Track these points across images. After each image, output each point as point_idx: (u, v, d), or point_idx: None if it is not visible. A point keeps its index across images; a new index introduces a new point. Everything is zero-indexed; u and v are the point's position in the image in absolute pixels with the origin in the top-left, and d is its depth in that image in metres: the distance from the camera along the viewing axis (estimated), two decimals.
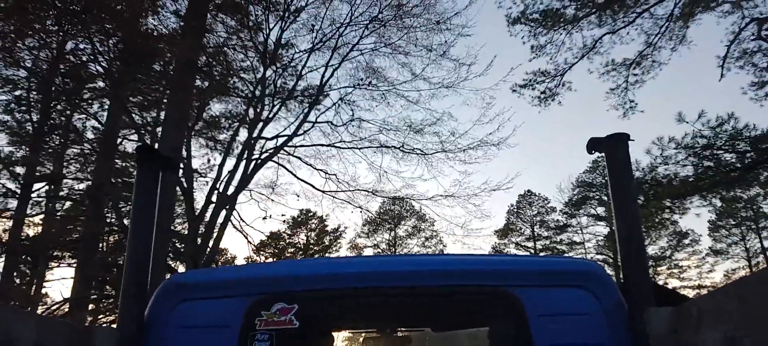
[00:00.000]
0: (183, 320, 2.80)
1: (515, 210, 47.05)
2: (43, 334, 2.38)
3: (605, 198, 44.88)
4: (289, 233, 40.90)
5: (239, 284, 2.89)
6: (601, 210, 45.30)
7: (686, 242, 45.03)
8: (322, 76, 15.14)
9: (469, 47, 15.04)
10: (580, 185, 46.48)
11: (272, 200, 16.45)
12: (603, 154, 3.18)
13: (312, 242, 42.45)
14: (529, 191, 48.20)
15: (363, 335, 4.95)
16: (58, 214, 23.82)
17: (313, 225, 41.88)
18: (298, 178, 15.63)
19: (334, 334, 4.35)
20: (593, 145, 3.21)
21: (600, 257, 46.04)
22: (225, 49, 15.69)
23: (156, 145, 18.84)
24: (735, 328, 2.01)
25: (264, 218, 16.35)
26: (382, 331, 4.50)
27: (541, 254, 47.01)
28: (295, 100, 15.29)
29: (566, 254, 46.12)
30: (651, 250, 44.58)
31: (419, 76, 15.50)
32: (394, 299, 3.07)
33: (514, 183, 16.42)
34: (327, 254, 40.53)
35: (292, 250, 40.97)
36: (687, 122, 17.39)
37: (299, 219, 40.86)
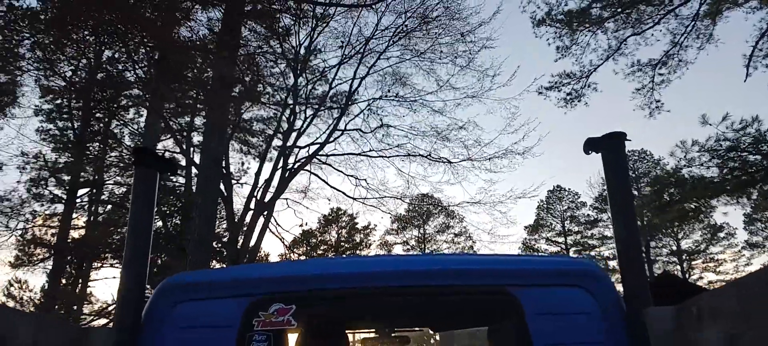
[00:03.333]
0: (180, 320, 2.79)
1: (545, 206, 46.76)
2: (40, 334, 2.38)
3: (636, 193, 44.35)
4: (320, 230, 41.50)
5: (237, 284, 2.90)
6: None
7: (721, 235, 44.16)
8: (351, 86, 15.59)
9: (493, 58, 15.18)
10: None
11: (307, 208, 16.91)
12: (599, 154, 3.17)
13: (343, 239, 42.94)
14: (558, 186, 47.89)
15: (361, 335, 4.99)
16: (101, 217, 24.76)
17: (344, 223, 42.37)
18: (330, 185, 16.14)
19: (332, 335, 4.32)
20: (590, 145, 3.21)
21: None
22: (256, 57, 16.19)
23: (195, 156, 19.51)
24: (736, 326, 2.01)
25: (301, 225, 16.93)
26: (380, 331, 4.54)
27: (572, 250, 46.67)
28: (325, 108, 15.72)
29: (598, 250, 45.74)
30: (684, 244, 43.91)
31: (444, 87, 15.77)
32: (392, 300, 3.09)
33: (539, 192, 16.55)
34: (357, 252, 41.01)
35: (323, 247, 41.56)
36: (710, 124, 17.26)
37: (330, 217, 41.38)
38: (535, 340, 2.64)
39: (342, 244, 41.72)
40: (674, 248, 44.14)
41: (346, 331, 4.36)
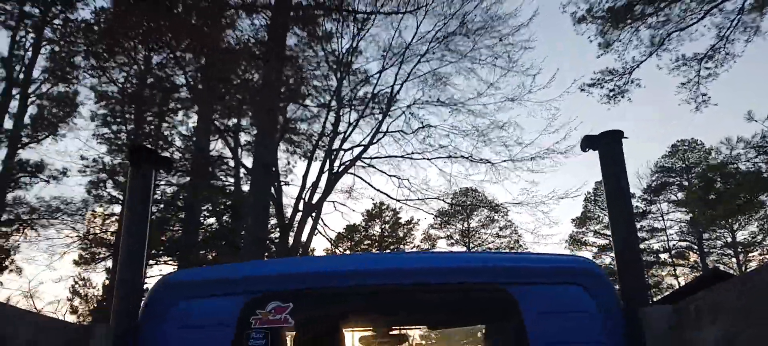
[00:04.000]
0: (178, 318, 2.78)
1: (592, 197, 45.77)
2: (40, 332, 2.40)
3: (686, 183, 42.93)
4: (364, 226, 41.86)
5: (234, 282, 2.88)
6: (681, 195, 43.35)
7: None
8: (392, 89, 15.76)
9: (532, 60, 15.14)
10: (658, 170, 44.65)
11: (353, 210, 17.14)
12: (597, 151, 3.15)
13: (386, 233, 43.18)
14: None
15: (358, 333, 4.98)
16: (155, 216, 25.69)
17: (387, 217, 42.60)
18: (374, 187, 16.39)
19: (330, 332, 4.41)
20: (587, 143, 3.19)
21: (683, 244, 44.16)
22: (300, 60, 16.56)
23: (242, 155, 20.02)
24: (733, 325, 2.00)
25: (348, 228, 17.18)
26: (377, 329, 4.51)
27: None
28: (368, 114, 15.94)
29: (647, 242, 44.53)
30: (740, 236, 42.28)
31: (484, 93, 15.77)
32: (389, 297, 3.07)
33: (581, 191, 16.35)
34: (401, 246, 41.21)
35: (367, 242, 41.92)
36: (756, 120, 16.69)
37: (373, 212, 41.68)
38: (533, 338, 2.63)
39: (385, 239, 41.96)
40: (729, 239, 42.56)
41: (344, 329, 4.39)
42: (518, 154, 15.64)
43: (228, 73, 17.16)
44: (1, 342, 2.13)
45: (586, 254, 45.32)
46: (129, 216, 3.09)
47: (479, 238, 43.57)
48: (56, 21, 19.62)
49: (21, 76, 18.74)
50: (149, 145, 23.96)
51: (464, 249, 42.03)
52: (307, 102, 17.40)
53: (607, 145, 3.06)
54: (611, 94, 17.57)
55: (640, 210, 45.93)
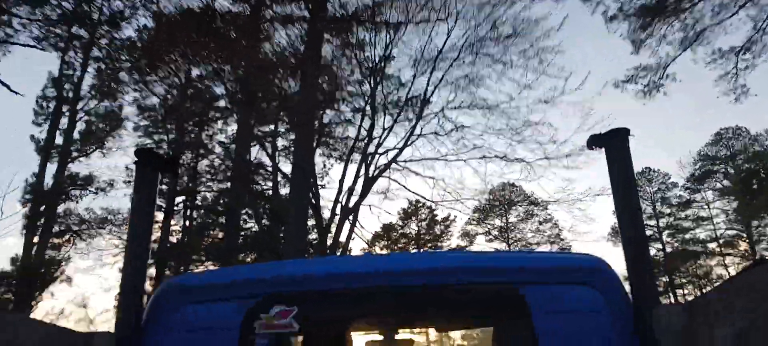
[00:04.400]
0: (181, 322, 2.75)
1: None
2: (44, 339, 2.40)
3: (731, 171, 41.65)
4: (400, 224, 42.01)
5: (238, 286, 2.85)
6: (727, 183, 42.09)
7: None
8: (425, 92, 15.87)
9: (563, 63, 15.15)
10: (702, 158, 43.46)
11: (387, 212, 17.37)
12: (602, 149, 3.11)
13: (423, 232, 43.24)
14: (647, 167, 45.75)
15: (365, 336, 4.88)
16: (196, 222, 26.46)
17: (423, 215, 42.67)
18: (409, 190, 16.64)
19: (335, 335, 4.41)
20: (594, 141, 3.16)
21: (731, 232, 42.88)
22: (335, 67, 16.89)
23: (279, 159, 20.43)
24: (746, 322, 1.98)
25: (384, 227, 17.40)
26: (384, 331, 4.41)
27: (665, 233, 44.57)
28: (401, 119, 16.11)
29: (692, 231, 43.47)
30: None
31: (516, 98, 15.75)
32: (396, 299, 3.02)
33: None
34: (438, 244, 41.23)
35: (404, 241, 42.08)
36: None
37: (409, 210, 41.79)
38: (541, 338, 2.60)
39: (422, 237, 42.04)
40: None
41: (350, 332, 4.33)
42: (553, 153, 15.61)
43: (265, 83, 17.63)
44: None
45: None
46: (134, 219, 3.05)
47: (518, 233, 43.21)
48: (103, 40, 20.45)
49: (70, 94, 19.59)
50: (190, 153, 24.78)
51: (504, 245, 41.78)
52: (343, 107, 17.71)
53: (614, 144, 3.03)
54: (646, 89, 17.46)
55: (684, 199, 44.80)
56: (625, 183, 2.96)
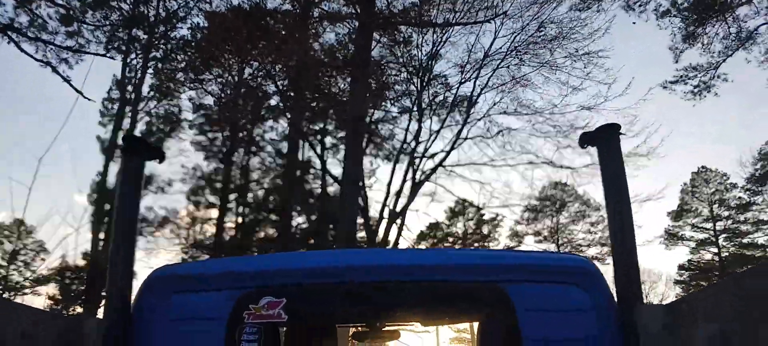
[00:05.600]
0: (170, 312, 2.76)
1: (689, 189, 43.26)
2: (33, 325, 2.41)
3: None
4: (447, 223, 41.88)
5: (227, 277, 2.85)
6: None
7: None
8: (471, 95, 15.88)
9: (607, 70, 14.91)
10: (763, 157, 41.52)
11: (431, 217, 17.44)
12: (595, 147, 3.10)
13: (470, 231, 42.96)
14: (703, 167, 44.00)
15: (352, 329, 4.82)
16: (247, 218, 27.15)
17: (471, 215, 42.38)
18: (455, 196, 16.74)
19: (322, 328, 4.38)
20: (585, 139, 3.16)
21: None
22: (383, 66, 17.04)
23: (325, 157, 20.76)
24: (728, 323, 2.00)
25: (431, 226, 17.46)
26: (370, 325, 4.47)
27: (721, 237, 42.83)
28: (449, 116, 16.15)
29: (751, 235, 41.65)
30: None
31: (560, 105, 15.53)
32: (382, 293, 3.04)
33: (665, 193, 15.90)
34: (486, 244, 40.90)
35: (451, 240, 41.93)
36: None
37: (456, 209, 41.58)
38: (527, 336, 2.61)
39: (469, 236, 41.78)
40: None
41: (337, 324, 4.32)
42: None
43: (315, 81, 17.97)
44: None
45: (683, 249, 43.09)
46: (120, 206, 3.01)
47: (569, 233, 42.37)
48: (160, 41, 21.27)
49: (132, 96, 20.48)
50: (243, 150, 25.47)
51: (553, 246, 41.09)
52: (391, 107, 17.89)
53: (605, 141, 3.02)
54: (696, 90, 17.03)
55: (744, 201, 42.94)
56: (616, 179, 2.95)
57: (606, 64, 14.82)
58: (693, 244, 42.07)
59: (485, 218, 41.48)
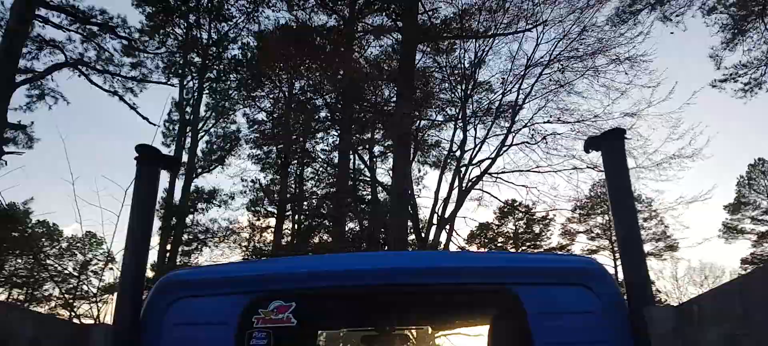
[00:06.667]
0: (180, 317, 2.75)
1: (746, 182, 41.76)
2: (42, 331, 2.39)
3: None
4: (497, 223, 41.91)
5: (237, 281, 2.86)
6: None
7: None
8: (515, 102, 16.19)
9: (651, 72, 14.89)
10: None
11: (474, 221, 17.74)
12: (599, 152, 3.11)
13: (520, 230, 42.85)
14: (761, 159, 42.35)
15: (361, 333, 4.82)
16: (303, 225, 28.19)
17: (520, 214, 42.25)
18: (501, 201, 17.04)
19: (332, 332, 4.44)
20: (590, 144, 3.17)
21: None
22: (427, 75, 17.64)
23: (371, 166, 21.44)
24: (737, 326, 1.99)
25: (481, 226, 17.86)
26: (380, 329, 4.42)
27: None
28: (494, 124, 16.52)
29: None
30: None
31: (604, 111, 15.63)
32: (392, 297, 3.02)
33: (713, 194, 15.83)
34: (536, 243, 40.74)
35: (501, 240, 41.94)
36: None
37: (505, 209, 41.55)
38: (536, 339, 2.62)
39: (520, 236, 41.69)
40: None
41: (347, 328, 4.26)
42: (644, 162, 15.49)
43: (361, 93, 18.73)
44: (5, 340, 2.15)
45: (745, 242, 41.61)
46: (133, 215, 3.02)
47: None
48: (213, 63, 22.59)
49: (191, 116, 21.84)
50: (297, 160, 26.49)
51: (606, 242, 40.51)
52: (436, 117, 18.46)
53: (610, 145, 3.02)
54: (746, 87, 16.78)
55: None
56: (621, 184, 2.95)
57: (649, 68, 14.89)
58: (754, 237, 40.62)
59: (536, 216, 41.31)
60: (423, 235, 16.00)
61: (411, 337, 4.91)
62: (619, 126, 3.14)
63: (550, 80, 15.92)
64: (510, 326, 3.03)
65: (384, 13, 18.94)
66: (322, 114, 22.55)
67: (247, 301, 2.73)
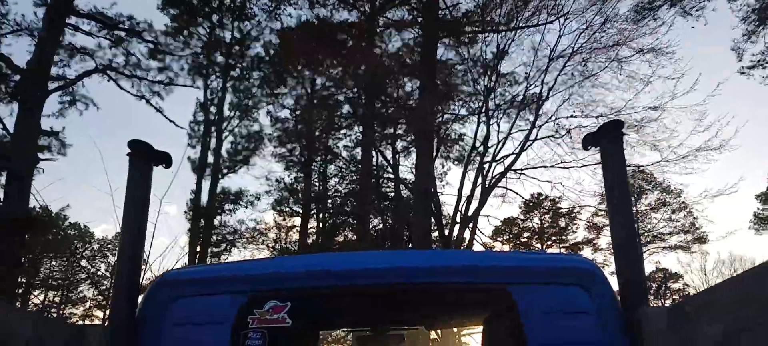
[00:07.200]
0: (175, 316, 2.75)
1: None
2: (38, 332, 2.39)
3: None
4: (522, 218, 41.56)
5: (232, 280, 2.85)
6: None
7: None
8: (540, 94, 16.05)
9: (674, 64, 14.59)
10: None
11: (497, 219, 17.67)
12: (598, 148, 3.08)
13: (546, 224, 42.44)
14: None
15: (356, 332, 4.71)
16: (328, 223, 28.34)
17: (546, 208, 41.84)
18: (525, 199, 16.80)
19: (327, 331, 4.36)
20: (588, 140, 3.15)
21: None
22: (450, 68, 17.57)
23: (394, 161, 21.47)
24: (731, 325, 1.99)
25: (505, 222, 17.78)
26: (375, 328, 4.40)
27: None
28: (518, 117, 16.41)
29: None
30: None
31: (627, 105, 15.42)
32: (387, 297, 2.99)
33: (739, 187, 15.45)
34: (563, 237, 40.31)
35: (527, 235, 41.59)
36: None
37: (531, 203, 41.19)
38: (531, 338, 2.61)
39: (545, 230, 41.30)
40: None
41: (342, 328, 4.26)
42: (668, 156, 15.34)
43: (383, 88, 18.75)
44: (2, 341, 2.15)
45: None
46: (127, 212, 3.01)
47: (649, 223, 40.95)
48: (236, 61, 22.84)
49: (215, 116, 22.13)
50: (320, 157, 26.67)
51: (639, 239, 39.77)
52: (458, 109, 18.38)
53: (608, 140, 3.00)
54: None
55: None
56: (618, 180, 2.93)
57: (673, 58, 14.65)
58: None
59: (562, 210, 40.84)
60: (446, 232, 15.97)
61: (405, 337, 4.92)
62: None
63: (574, 72, 15.78)
64: (504, 326, 3.02)
65: (405, 7, 18.93)
66: (345, 110, 22.71)
67: (243, 300, 2.73)
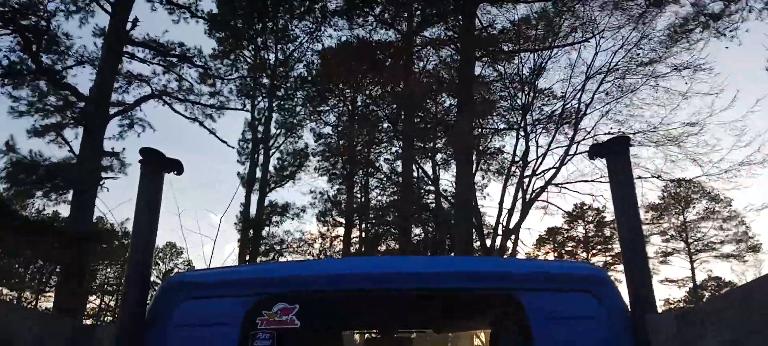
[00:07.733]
0: (185, 318, 2.76)
1: None
2: (46, 330, 2.41)
3: None
4: (566, 228, 41.18)
5: (241, 283, 2.86)
6: None
7: None
8: (577, 111, 16.23)
9: (711, 81, 14.46)
10: None
11: (536, 231, 17.73)
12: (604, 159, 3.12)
13: (591, 233, 41.89)
14: None
15: (365, 336, 4.69)
16: (370, 232, 28.98)
17: (590, 217, 41.34)
18: (565, 211, 16.88)
19: (336, 334, 4.37)
20: (595, 151, 3.19)
21: None
22: (488, 85, 17.95)
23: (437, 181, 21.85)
24: (737, 333, 2.00)
25: (549, 231, 17.88)
26: (383, 332, 4.40)
27: None
28: (557, 132, 16.59)
29: None
30: None
31: (666, 119, 15.40)
32: (396, 301, 3.03)
33: None
34: (607, 246, 39.72)
35: (571, 244, 41.17)
36: None
37: (575, 213, 40.80)
38: (539, 344, 2.62)
39: (590, 239, 40.77)
40: None
41: (351, 331, 4.28)
42: (710, 170, 15.22)
43: (422, 105, 19.23)
44: (9, 340, 2.19)
45: None
46: (138, 217, 3.04)
47: (698, 232, 39.91)
48: (282, 82, 23.88)
49: (263, 135, 23.23)
50: (361, 171, 27.37)
51: (683, 245, 38.94)
52: (497, 123, 18.70)
53: (614, 153, 3.04)
54: None
55: None
56: (626, 191, 2.96)
57: (711, 73, 14.56)
58: None
59: (606, 219, 40.25)
60: (488, 243, 16.25)
61: (413, 341, 4.96)
62: (622, 135, 3.24)
63: (612, 86, 15.86)
64: (513, 331, 3.06)
65: (442, 25, 19.40)
66: (385, 126, 23.32)
67: (252, 303, 2.75)
